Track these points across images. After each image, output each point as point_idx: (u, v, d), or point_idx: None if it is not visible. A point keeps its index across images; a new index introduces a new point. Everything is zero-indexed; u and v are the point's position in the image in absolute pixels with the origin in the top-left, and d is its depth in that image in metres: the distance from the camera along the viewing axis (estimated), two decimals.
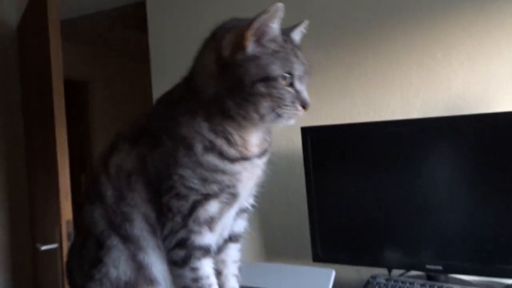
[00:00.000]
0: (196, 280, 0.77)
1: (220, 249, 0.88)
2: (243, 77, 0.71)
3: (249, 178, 0.81)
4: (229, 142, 0.76)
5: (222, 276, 0.88)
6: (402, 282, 1.29)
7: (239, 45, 0.72)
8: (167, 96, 0.84)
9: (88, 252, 0.82)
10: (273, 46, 0.72)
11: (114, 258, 0.79)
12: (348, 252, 1.42)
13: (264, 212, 1.75)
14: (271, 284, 1.40)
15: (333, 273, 1.36)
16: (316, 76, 1.58)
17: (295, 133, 1.46)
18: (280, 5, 0.70)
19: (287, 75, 0.72)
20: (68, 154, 1.97)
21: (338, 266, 1.43)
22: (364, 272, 1.50)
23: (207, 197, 0.77)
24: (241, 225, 0.91)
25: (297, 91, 0.74)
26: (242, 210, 0.90)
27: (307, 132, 1.42)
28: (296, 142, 1.50)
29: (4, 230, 2.73)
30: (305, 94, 0.74)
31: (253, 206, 0.93)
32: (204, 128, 0.75)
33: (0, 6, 2.72)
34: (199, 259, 0.78)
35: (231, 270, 0.89)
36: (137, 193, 0.79)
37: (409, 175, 1.31)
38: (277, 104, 0.72)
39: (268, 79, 0.70)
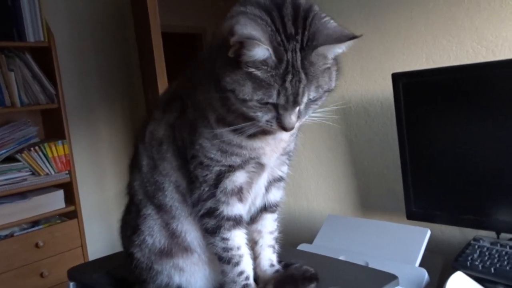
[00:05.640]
0: (227, 250, 0.76)
1: (255, 219, 0.83)
2: (222, 75, 0.62)
3: (273, 150, 0.75)
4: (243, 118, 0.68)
5: (257, 246, 0.84)
6: (511, 247, 1.12)
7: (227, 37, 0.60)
8: (196, 60, 0.79)
9: (131, 218, 0.84)
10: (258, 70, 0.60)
11: (149, 227, 0.79)
12: (447, 211, 1.27)
13: (360, 164, 1.67)
14: (362, 241, 1.34)
15: (428, 233, 1.25)
16: (415, 13, 1.39)
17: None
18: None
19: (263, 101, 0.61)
20: None
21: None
22: (468, 232, 1.35)
23: (231, 168, 0.73)
24: (276, 195, 0.85)
25: (279, 114, 0.63)
26: (276, 180, 0.84)
27: (398, 79, 1.27)
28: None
29: None
30: (286, 120, 0.63)
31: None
32: (215, 99, 0.68)
33: None
34: (229, 229, 0.75)
35: (267, 240, 0.84)
36: (168, 162, 0.77)
37: None
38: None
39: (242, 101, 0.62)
